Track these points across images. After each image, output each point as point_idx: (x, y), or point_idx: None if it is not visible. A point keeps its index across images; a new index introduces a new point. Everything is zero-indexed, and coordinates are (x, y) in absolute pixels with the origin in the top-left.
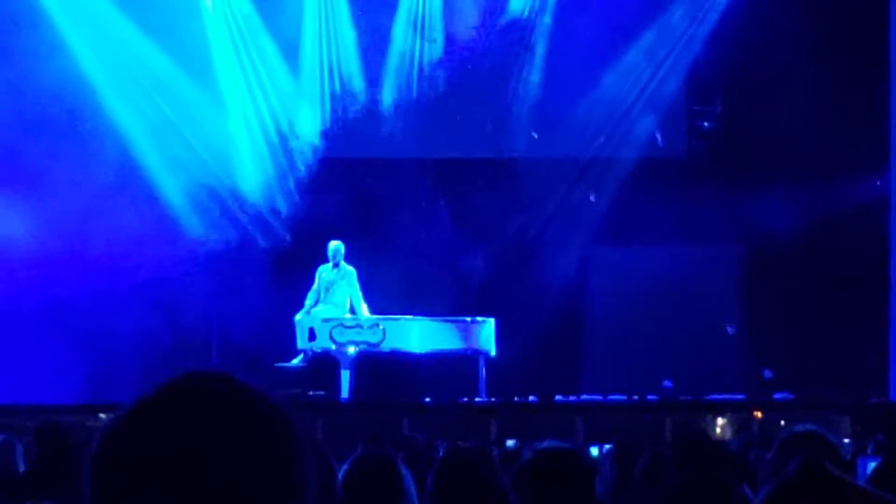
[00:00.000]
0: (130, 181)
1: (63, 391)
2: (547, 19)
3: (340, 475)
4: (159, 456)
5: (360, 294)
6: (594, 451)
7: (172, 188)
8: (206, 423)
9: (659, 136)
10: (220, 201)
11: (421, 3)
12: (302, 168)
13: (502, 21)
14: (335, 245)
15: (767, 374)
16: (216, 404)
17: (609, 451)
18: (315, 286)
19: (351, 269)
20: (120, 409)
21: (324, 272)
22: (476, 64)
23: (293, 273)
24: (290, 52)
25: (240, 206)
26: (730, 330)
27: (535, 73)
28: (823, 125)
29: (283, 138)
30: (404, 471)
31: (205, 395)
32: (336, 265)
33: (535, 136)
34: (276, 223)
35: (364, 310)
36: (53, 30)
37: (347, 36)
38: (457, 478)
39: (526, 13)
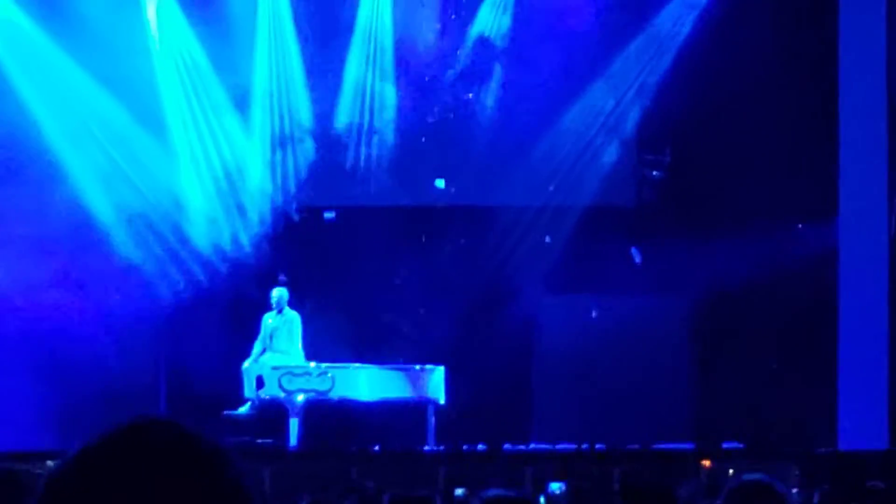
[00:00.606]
0: (80, 225)
1: (9, 435)
2: (497, 68)
3: None
4: (106, 501)
5: (299, 340)
6: (555, 486)
7: (120, 234)
8: (153, 471)
9: (635, 254)
10: (169, 246)
11: (373, 42)
12: (254, 215)
13: (455, 68)
14: (278, 291)
15: (636, 254)
16: (163, 452)
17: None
18: (261, 334)
19: (294, 314)
20: (64, 456)
21: (269, 319)
22: (429, 107)
23: (243, 320)
24: (241, 96)
25: (189, 253)
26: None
27: (485, 121)
28: (773, 174)
29: (232, 184)
30: None
31: (152, 442)
32: (280, 311)
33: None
34: (225, 269)
35: (301, 356)
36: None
37: (298, 80)
38: None
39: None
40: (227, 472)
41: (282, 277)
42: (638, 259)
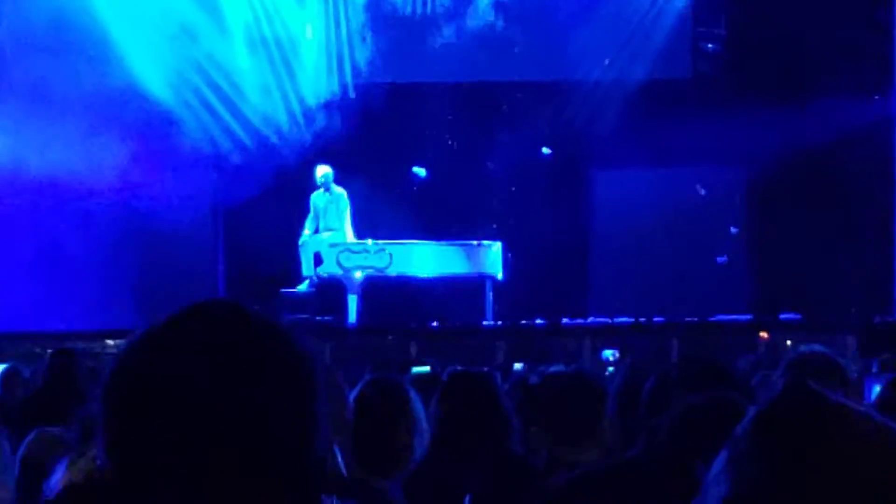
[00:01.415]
0: (132, 101)
1: (66, 318)
2: None
3: (351, 399)
4: (172, 381)
5: (348, 216)
6: (608, 353)
7: (175, 104)
8: (221, 349)
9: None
10: (225, 122)
11: None
12: (309, 91)
13: None
14: (324, 170)
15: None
16: (229, 330)
17: (617, 372)
18: (311, 213)
19: (341, 190)
20: (132, 335)
21: (316, 198)
22: None
23: (300, 197)
24: None
25: (244, 127)
26: (720, 260)
27: None
28: (828, 47)
29: (286, 59)
30: (413, 395)
31: (218, 321)
32: (327, 190)
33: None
34: (280, 143)
35: (349, 233)
36: None
37: None
38: (459, 402)
39: None
40: (292, 347)
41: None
42: (703, 192)
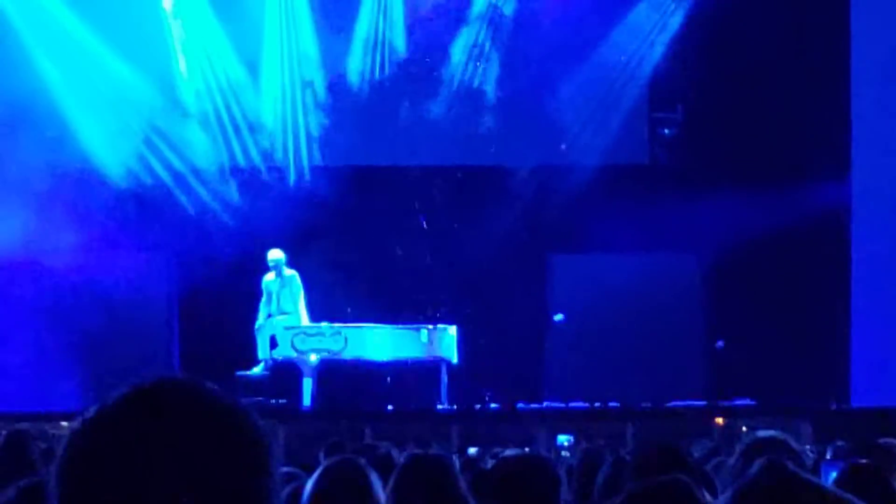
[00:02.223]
0: (88, 182)
1: (17, 399)
2: (508, 22)
3: (310, 483)
4: (126, 459)
5: (301, 299)
6: (562, 438)
7: (131, 186)
8: (175, 427)
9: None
10: (178, 202)
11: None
12: (263, 170)
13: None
14: (275, 255)
15: (720, 343)
16: (184, 409)
17: (571, 457)
18: (264, 298)
19: (293, 273)
20: (87, 411)
21: (268, 283)
22: (437, 68)
23: (252, 281)
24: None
25: (199, 209)
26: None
27: (491, 82)
28: (785, 132)
29: (243, 143)
30: (374, 478)
31: (172, 399)
32: (279, 273)
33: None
34: (235, 230)
35: (304, 316)
36: (16, 39)
37: (310, 47)
38: (416, 485)
39: (485, 18)
40: (247, 428)
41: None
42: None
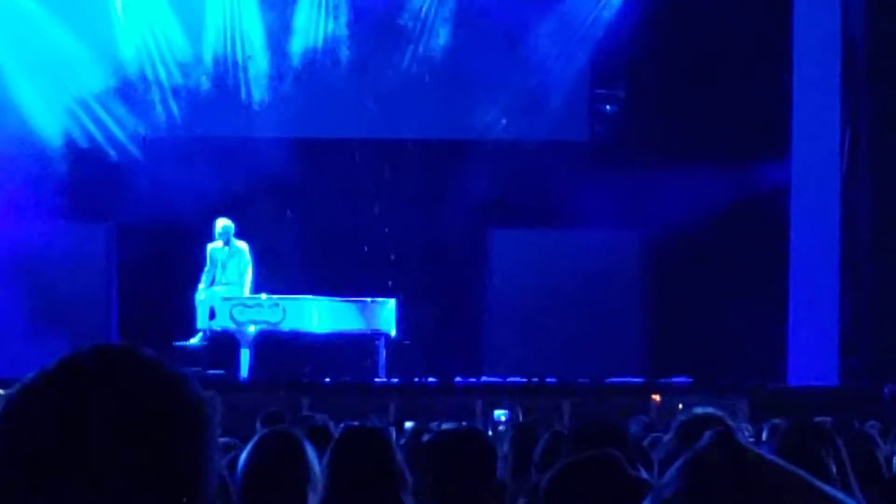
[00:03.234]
0: (25, 153)
1: None
2: (450, 4)
3: (245, 453)
4: (65, 426)
5: (249, 272)
6: (499, 413)
7: (71, 152)
8: (115, 395)
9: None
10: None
11: None
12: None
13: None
14: (224, 223)
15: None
16: (123, 376)
17: (508, 433)
18: (207, 266)
19: (243, 245)
20: (22, 381)
21: (214, 251)
22: (381, 40)
23: (191, 250)
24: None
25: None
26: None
27: (435, 56)
28: (726, 112)
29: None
30: (309, 449)
31: (112, 366)
32: (227, 243)
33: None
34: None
35: (247, 288)
36: None
37: (254, 21)
38: (352, 457)
39: None
40: (185, 394)
41: None
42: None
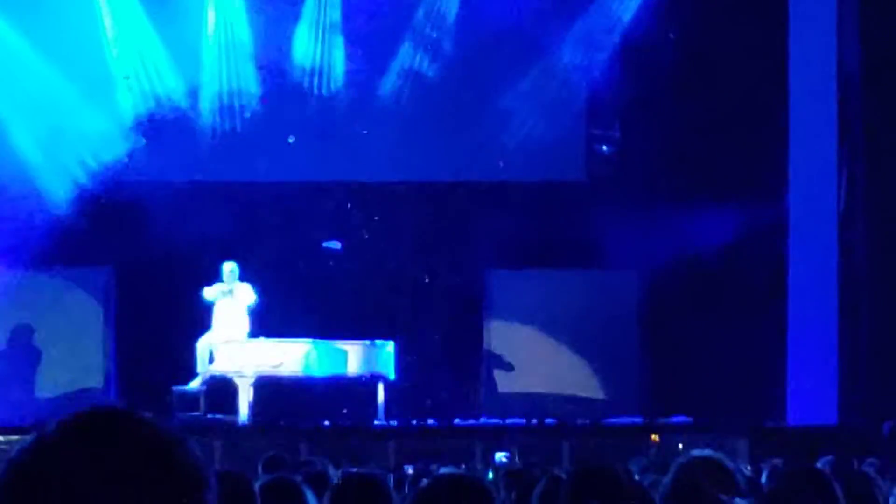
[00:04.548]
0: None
1: None
2: (448, 31)
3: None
4: (65, 490)
5: (247, 314)
6: (499, 455)
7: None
8: (111, 457)
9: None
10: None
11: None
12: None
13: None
14: (231, 266)
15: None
16: (121, 438)
17: (504, 476)
18: (212, 309)
19: (244, 287)
20: (24, 442)
21: (218, 292)
22: (375, 80)
23: (186, 293)
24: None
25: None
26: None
27: (428, 97)
28: (723, 150)
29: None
30: (310, 496)
31: (109, 428)
32: (231, 285)
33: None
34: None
35: (244, 331)
36: None
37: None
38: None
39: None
40: (183, 457)
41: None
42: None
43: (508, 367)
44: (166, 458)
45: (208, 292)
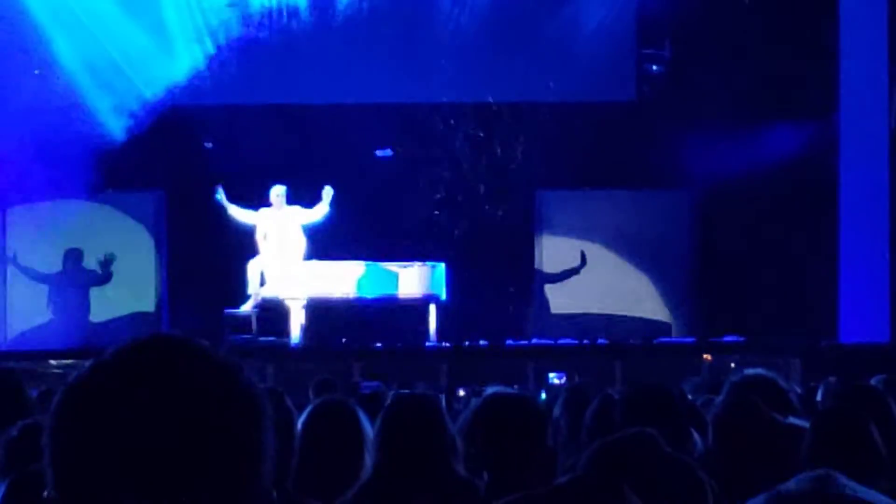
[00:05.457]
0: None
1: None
2: None
3: (300, 424)
4: (121, 415)
5: (301, 237)
6: (553, 376)
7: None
8: (170, 383)
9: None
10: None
11: None
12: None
13: None
14: (278, 190)
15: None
16: (179, 365)
17: (560, 396)
18: (260, 232)
19: (295, 210)
20: (81, 368)
21: (268, 216)
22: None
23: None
24: None
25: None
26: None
27: (476, 18)
28: (773, 69)
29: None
30: (363, 418)
31: (167, 355)
32: (280, 209)
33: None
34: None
35: (299, 254)
36: None
37: None
38: (403, 425)
39: None
40: (239, 383)
41: None
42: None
43: (560, 285)
44: (224, 386)
45: (262, 213)
